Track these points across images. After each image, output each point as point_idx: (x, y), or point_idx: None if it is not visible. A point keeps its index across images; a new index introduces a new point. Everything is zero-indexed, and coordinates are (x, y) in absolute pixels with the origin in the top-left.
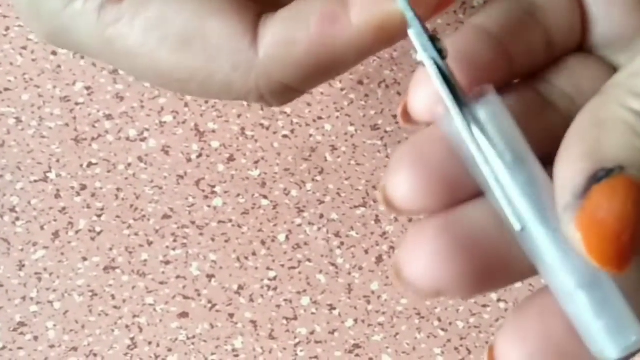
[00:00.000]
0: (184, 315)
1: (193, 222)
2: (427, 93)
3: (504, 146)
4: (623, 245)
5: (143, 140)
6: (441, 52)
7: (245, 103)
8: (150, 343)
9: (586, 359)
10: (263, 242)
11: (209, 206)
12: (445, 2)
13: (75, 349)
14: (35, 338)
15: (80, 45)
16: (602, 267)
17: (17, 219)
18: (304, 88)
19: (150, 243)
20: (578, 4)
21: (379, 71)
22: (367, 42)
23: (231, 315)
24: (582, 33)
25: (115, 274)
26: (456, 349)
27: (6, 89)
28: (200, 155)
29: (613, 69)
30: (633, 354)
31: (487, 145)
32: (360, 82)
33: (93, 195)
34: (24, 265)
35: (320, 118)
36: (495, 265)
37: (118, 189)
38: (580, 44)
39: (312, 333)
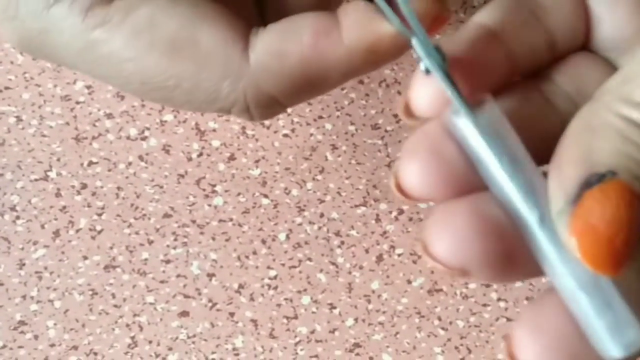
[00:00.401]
0: (184, 314)
1: (194, 221)
2: (428, 89)
3: (502, 152)
4: (616, 249)
5: (144, 139)
6: (444, 60)
7: None
8: (150, 342)
9: (597, 354)
10: (263, 241)
11: (209, 205)
12: (440, 20)
13: (75, 347)
14: (36, 337)
15: (57, 50)
16: (596, 270)
17: (18, 217)
18: (289, 102)
19: (150, 242)
20: (581, 4)
21: (379, 70)
22: (355, 61)
23: (232, 314)
24: (586, 34)
25: (115, 273)
26: (456, 348)
27: (7, 88)
28: (200, 154)
29: (616, 70)
30: (637, 352)
31: (487, 149)
32: (361, 82)
33: (93, 194)
34: (24, 264)
35: (320, 117)
36: (519, 251)
37: (118, 188)
38: (584, 45)
39: (312, 332)
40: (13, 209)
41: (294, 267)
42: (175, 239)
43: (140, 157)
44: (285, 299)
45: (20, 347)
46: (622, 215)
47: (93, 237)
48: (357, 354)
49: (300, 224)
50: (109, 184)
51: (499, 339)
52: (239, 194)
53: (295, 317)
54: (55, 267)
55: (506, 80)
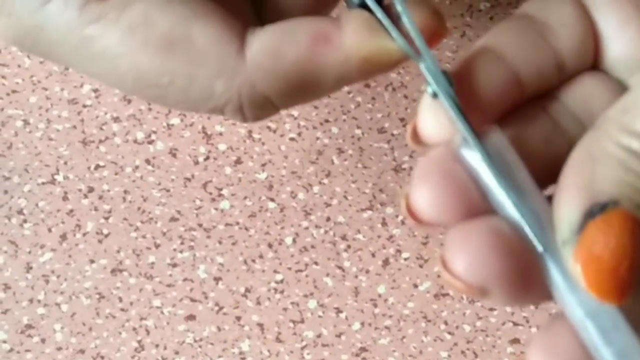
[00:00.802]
0: (191, 317)
1: (200, 225)
2: (436, 116)
3: (508, 181)
4: (621, 278)
5: (150, 142)
6: (451, 85)
7: None
8: (157, 346)
9: None
10: (270, 245)
11: (216, 209)
12: (437, 36)
13: (82, 351)
14: (43, 340)
15: (52, 47)
16: (602, 299)
17: (25, 221)
18: (282, 104)
19: (157, 245)
20: (590, 24)
21: (385, 74)
22: (351, 69)
23: (238, 318)
24: (595, 54)
25: (122, 277)
26: (463, 352)
27: (14, 91)
28: (207, 158)
29: (627, 90)
30: None
31: (493, 179)
32: (367, 85)
33: (100, 197)
34: (31, 268)
35: (327, 121)
36: (534, 272)
37: (125, 192)
38: (594, 65)
39: (318, 336)
40: (20, 212)
41: (301, 271)
42: (182, 243)
43: (147, 161)
44: (292, 303)
45: (27, 350)
46: (626, 244)
47: (100, 241)
48: (364, 358)
49: (306, 228)
50: (115, 187)
51: (505, 343)
52: (245, 197)
53: (302, 321)
54: (62, 271)
55: (514, 103)
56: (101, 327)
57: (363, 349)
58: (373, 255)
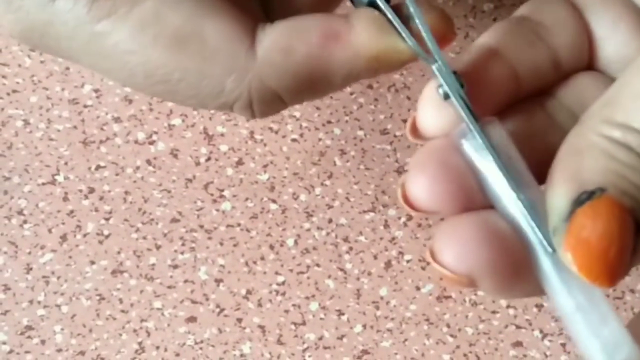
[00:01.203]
0: (191, 319)
1: (201, 226)
2: (436, 111)
3: (508, 173)
4: (610, 260)
5: (152, 143)
6: (462, 86)
7: None
8: (157, 347)
9: None
10: (271, 247)
11: (217, 210)
12: (446, 39)
13: (82, 353)
14: (43, 342)
15: (61, 42)
16: (593, 282)
17: (25, 221)
18: (291, 100)
19: (158, 247)
20: (584, 25)
21: (388, 75)
22: (360, 67)
23: (239, 320)
24: (590, 54)
25: (123, 278)
26: (465, 355)
27: (14, 91)
28: (208, 159)
29: None
30: None
31: (495, 170)
32: (370, 86)
33: (101, 198)
34: (31, 269)
35: (329, 122)
36: (524, 265)
37: (126, 192)
38: (590, 65)
39: (320, 338)
40: (20, 213)
41: (302, 273)
42: (183, 244)
43: (148, 162)
44: (293, 305)
45: (27, 352)
46: (613, 229)
47: (100, 242)
48: None
49: (308, 230)
50: (116, 188)
51: (508, 346)
52: (247, 199)
53: (303, 323)
54: (62, 272)
55: (512, 99)
56: (101, 329)
57: (365, 352)
58: (375, 257)
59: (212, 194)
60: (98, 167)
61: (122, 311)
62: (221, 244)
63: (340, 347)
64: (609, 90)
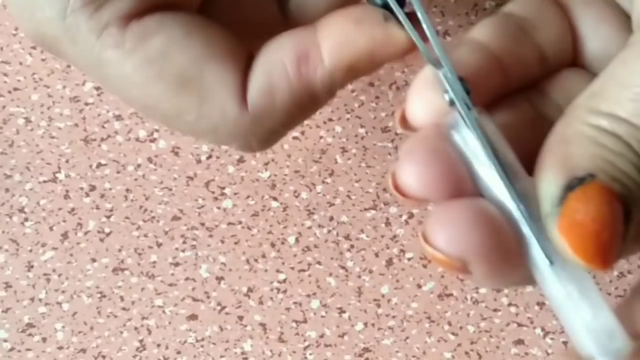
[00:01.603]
0: (193, 317)
1: (202, 224)
2: (426, 102)
3: (498, 162)
4: (604, 242)
5: (153, 141)
6: (469, 93)
7: None
8: (159, 345)
9: None
10: (273, 244)
11: (218, 208)
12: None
13: (83, 350)
14: (44, 339)
15: (68, 56)
16: (588, 265)
17: (26, 219)
18: (288, 129)
19: (159, 244)
20: (568, 23)
21: (389, 73)
22: (339, 80)
23: (240, 318)
24: (574, 50)
25: (124, 276)
26: (467, 353)
27: (15, 89)
28: (210, 157)
29: None
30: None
31: (485, 159)
32: (371, 84)
33: (102, 196)
34: (32, 266)
35: (330, 120)
36: (515, 250)
37: (127, 190)
38: (575, 62)
39: (321, 336)
40: (21, 210)
41: (303, 270)
42: (184, 242)
43: (149, 159)
44: (295, 303)
45: (28, 349)
46: (605, 212)
47: (102, 240)
48: (367, 359)
49: (309, 227)
50: (117, 186)
51: (509, 344)
52: (248, 196)
53: (305, 321)
54: (63, 270)
55: (499, 93)
56: (103, 327)
57: (366, 350)
58: (376, 255)
59: (213, 192)
60: (99, 165)
61: (123, 309)
62: (222, 241)
63: (342, 345)
64: (594, 82)
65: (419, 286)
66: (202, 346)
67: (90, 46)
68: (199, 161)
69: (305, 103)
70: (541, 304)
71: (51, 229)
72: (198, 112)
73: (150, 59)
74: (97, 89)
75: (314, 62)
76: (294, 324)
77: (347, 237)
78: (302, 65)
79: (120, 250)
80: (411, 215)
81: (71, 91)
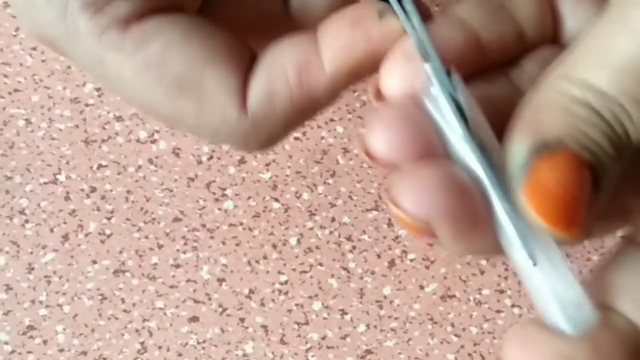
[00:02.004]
0: (194, 319)
1: (204, 225)
2: (400, 73)
3: (470, 129)
4: (568, 207)
5: (153, 142)
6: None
7: None
8: (160, 347)
9: None
10: (274, 246)
11: (219, 209)
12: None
13: (84, 353)
14: (45, 342)
15: (68, 55)
16: (552, 228)
17: (27, 221)
18: (287, 133)
19: (160, 246)
20: (548, 2)
21: None
22: (340, 85)
23: (242, 320)
24: (554, 29)
25: (125, 278)
26: (469, 355)
27: (16, 90)
28: (211, 158)
29: None
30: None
31: (458, 126)
32: None
33: (103, 197)
34: (33, 268)
35: (332, 120)
36: (482, 215)
37: (128, 192)
38: (555, 40)
39: (323, 338)
40: (22, 212)
41: (305, 272)
42: (185, 243)
43: (150, 161)
44: (296, 305)
45: (29, 352)
46: (571, 177)
47: (102, 241)
48: None
49: (311, 229)
50: (118, 187)
51: None
52: (249, 197)
53: (306, 323)
54: (64, 272)
55: (475, 66)
56: (104, 329)
57: (368, 351)
58: (379, 256)
59: (214, 193)
60: (100, 166)
61: (124, 311)
62: (223, 243)
63: (344, 346)
64: (567, 51)
65: (422, 287)
66: (203, 348)
67: (90, 48)
68: (199, 162)
69: (307, 109)
70: None
71: (52, 230)
72: (197, 116)
73: (149, 63)
74: (98, 90)
75: (315, 70)
76: (295, 326)
77: (349, 238)
78: (303, 73)
79: (121, 252)
80: None
81: (71, 92)
